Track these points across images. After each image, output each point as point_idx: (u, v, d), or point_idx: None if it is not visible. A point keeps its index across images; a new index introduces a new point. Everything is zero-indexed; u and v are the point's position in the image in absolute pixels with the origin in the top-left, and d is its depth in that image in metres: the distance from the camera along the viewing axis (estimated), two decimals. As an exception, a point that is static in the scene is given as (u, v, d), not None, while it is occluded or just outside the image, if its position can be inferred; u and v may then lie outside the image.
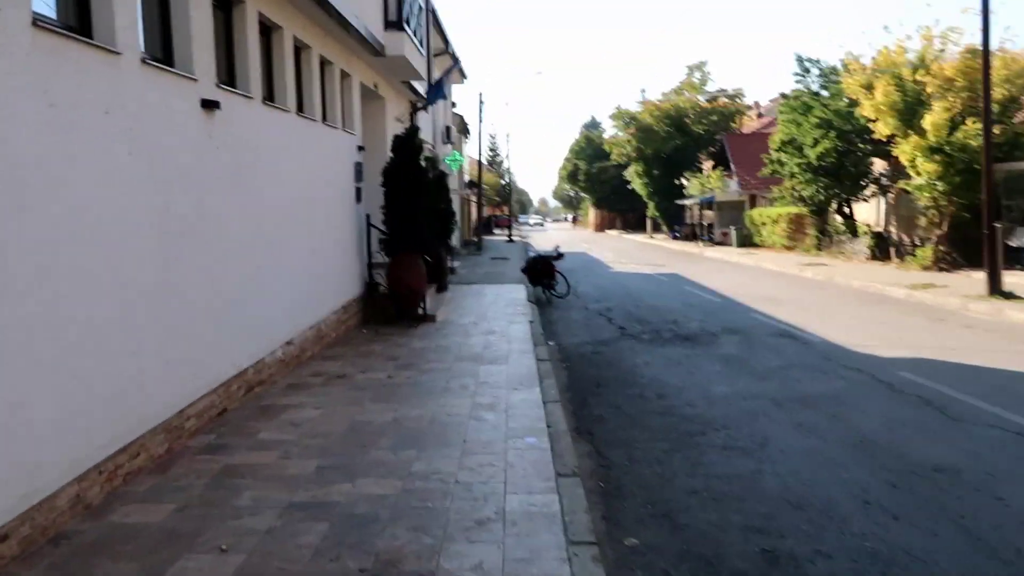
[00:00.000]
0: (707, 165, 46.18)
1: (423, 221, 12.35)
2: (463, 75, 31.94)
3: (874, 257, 24.76)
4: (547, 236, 63.07)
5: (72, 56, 4.67)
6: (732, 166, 39.85)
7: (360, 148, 12.51)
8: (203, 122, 6.54)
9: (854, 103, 23.74)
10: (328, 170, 10.67)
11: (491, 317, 13.46)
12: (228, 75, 7.54)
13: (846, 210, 27.34)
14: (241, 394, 7.27)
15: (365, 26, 11.12)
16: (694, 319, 13.72)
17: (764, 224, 33.77)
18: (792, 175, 26.92)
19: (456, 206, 34.79)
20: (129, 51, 5.30)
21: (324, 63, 10.84)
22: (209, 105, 6.57)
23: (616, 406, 7.75)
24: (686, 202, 44.26)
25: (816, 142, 24.70)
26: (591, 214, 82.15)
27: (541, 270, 16.86)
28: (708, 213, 41.73)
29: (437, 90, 16.37)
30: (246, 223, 7.46)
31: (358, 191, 12.32)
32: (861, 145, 24.29)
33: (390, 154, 12.49)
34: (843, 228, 27.34)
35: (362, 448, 5.93)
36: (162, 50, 6.19)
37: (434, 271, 15.35)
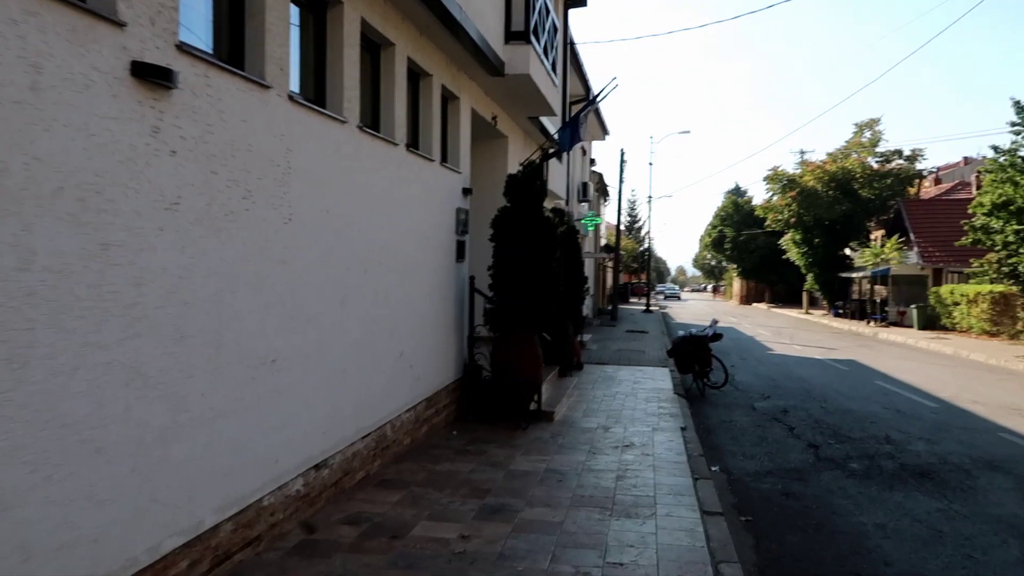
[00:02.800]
0: (877, 235, 40.87)
1: (544, 287, 9.25)
2: (604, 130, 29.23)
3: (1122, 352, 19.36)
4: (687, 308, 58.74)
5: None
6: (911, 235, 34.59)
7: (467, 192, 9.67)
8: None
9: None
10: (416, 215, 7.83)
11: (628, 418, 10.05)
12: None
13: (1076, 290, 21.92)
14: None
15: (477, 29, 8.37)
16: (915, 437, 9.74)
17: (956, 303, 28.40)
18: (1006, 245, 21.94)
19: (590, 271, 31.75)
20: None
21: (417, 73, 8.13)
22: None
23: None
24: (852, 275, 39.00)
25: (1043, 205, 19.83)
26: (735, 285, 76.70)
27: (692, 354, 13.28)
28: (879, 288, 36.40)
29: (573, 130, 13.45)
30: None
31: (460, 246, 9.43)
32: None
33: (503, 199, 9.56)
34: (1069, 313, 21.94)
35: None
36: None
37: (557, 351, 12.19)
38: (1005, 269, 23.42)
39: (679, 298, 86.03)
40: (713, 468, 7.96)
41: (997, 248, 22.56)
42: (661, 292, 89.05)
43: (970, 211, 24.74)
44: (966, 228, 24.32)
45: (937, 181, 49.34)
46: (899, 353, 22.09)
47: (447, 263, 9.03)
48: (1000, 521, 6.36)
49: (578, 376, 13.77)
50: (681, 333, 13.79)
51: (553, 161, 17.76)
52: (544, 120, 13.78)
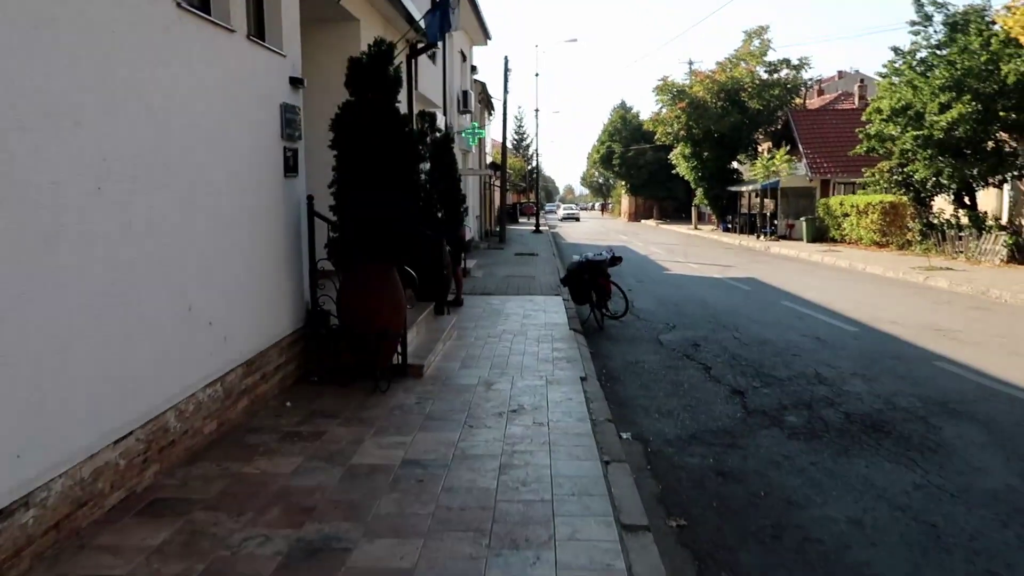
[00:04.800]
0: (764, 147, 40.39)
1: (403, 206, 7.05)
2: (486, 34, 26.60)
3: (1012, 259, 19.11)
4: (577, 227, 57.70)
5: None
6: (800, 146, 34.06)
7: (297, 83, 7.24)
8: None
9: (994, 58, 18.06)
10: (207, 109, 5.44)
11: (516, 366, 8.17)
12: None
13: (967, 199, 21.57)
14: None
15: None
16: (847, 373, 8.34)
17: (846, 215, 28.04)
18: (903, 152, 21.20)
19: (475, 190, 29.55)
20: None
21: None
22: None
23: None
24: (742, 189, 38.47)
25: (944, 108, 18.95)
26: (624, 202, 76.34)
27: (589, 282, 11.49)
28: (767, 202, 36.01)
29: (443, 15, 11.03)
30: None
31: (290, 156, 7.07)
32: (1004, 113, 18.52)
33: (347, 92, 7.19)
34: (957, 222, 21.63)
35: None
36: None
37: (431, 284, 10.13)
38: (897, 178, 22.87)
39: (578, 219, 73.14)
40: (624, 435, 6.20)
41: (895, 156, 21.83)
42: (552, 211, 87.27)
43: (864, 119, 23.95)
44: (860, 136, 23.56)
45: (820, 92, 49.37)
46: (796, 268, 21.29)
47: (269, 178, 6.68)
48: (998, 500, 4.86)
49: (458, 313, 11.78)
50: (576, 258, 11.95)
51: (425, 61, 15.27)
52: (409, 4, 11.28)
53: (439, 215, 11.03)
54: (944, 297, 14.82)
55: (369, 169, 6.88)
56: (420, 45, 13.20)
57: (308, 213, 7.42)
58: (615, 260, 11.80)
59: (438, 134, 11.11)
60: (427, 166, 10.92)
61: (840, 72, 60.52)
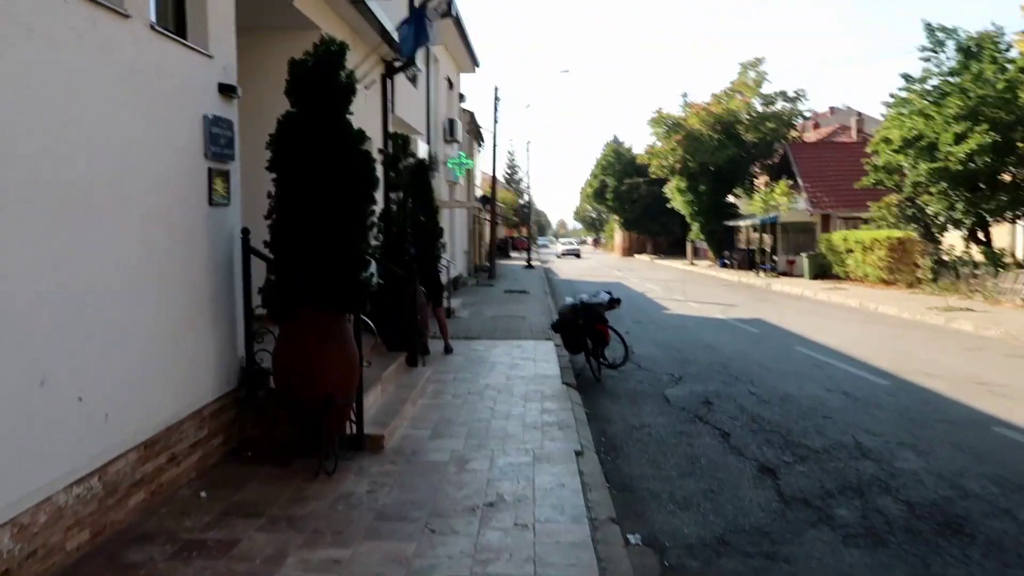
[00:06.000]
0: (761, 181, 39.40)
1: (353, 240, 5.69)
2: (474, 60, 25.53)
3: (1035, 300, 17.87)
4: (571, 262, 56.43)
5: None
6: (799, 180, 33.02)
7: (228, 91, 5.92)
8: None
9: (1011, 85, 16.98)
10: (83, 115, 4.13)
11: (498, 435, 6.76)
12: None
13: (981, 235, 20.38)
14: None
15: None
16: (893, 442, 6.96)
17: (850, 251, 26.84)
18: (915, 184, 20.04)
19: (463, 224, 28.28)
20: None
21: None
22: None
23: None
24: (739, 223, 37.35)
25: (960, 138, 17.82)
26: (617, 237, 75.35)
27: (584, 328, 10.12)
28: (766, 237, 34.87)
29: (417, 26, 9.79)
30: None
31: (217, 178, 5.73)
32: (1022, 144, 17.39)
33: (289, 104, 5.87)
34: (971, 259, 20.43)
35: None
36: None
37: (402, 331, 8.78)
38: (908, 212, 21.72)
39: (579, 256, 64.30)
40: (633, 539, 4.79)
41: (905, 188, 20.67)
42: (544, 245, 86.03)
43: (870, 150, 22.89)
44: (867, 167, 22.44)
45: (816, 126, 48.68)
46: (803, 308, 19.99)
47: (186, 205, 5.33)
48: None
49: (439, 363, 10.39)
50: (568, 301, 10.59)
51: (405, 83, 14.07)
52: (380, 14, 10.05)
53: (411, 251, 9.67)
54: (973, 342, 13.50)
55: (311, 196, 5.53)
56: (397, 63, 12.02)
57: (243, 250, 6.06)
58: (614, 302, 10.44)
59: (412, 159, 9.79)
60: (399, 195, 9.60)
61: (832, 108, 60.12)
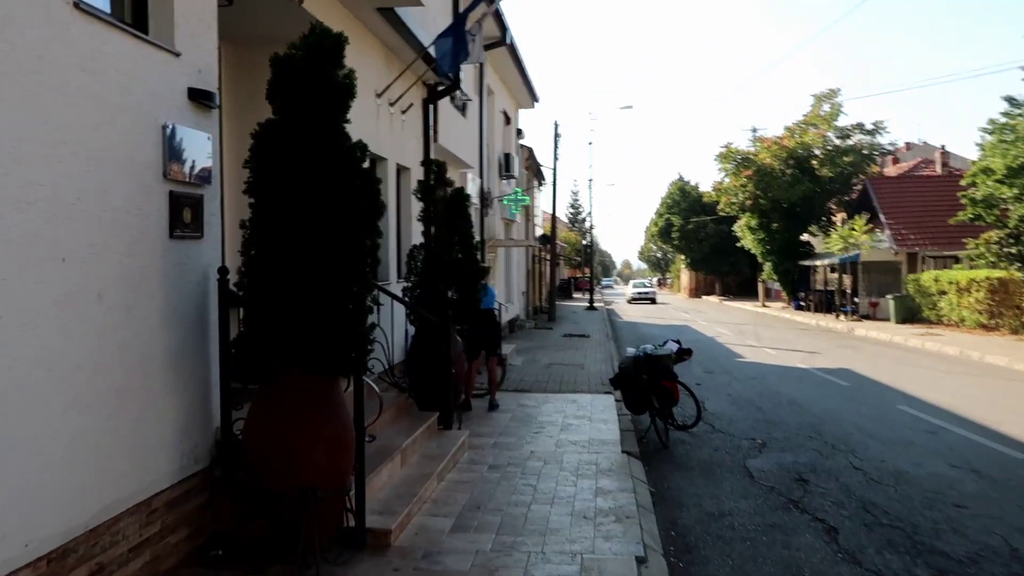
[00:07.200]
0: (838, 217, 37.13)
1: (353, 282, 4.43)
2: (534, 96, 24.53)
3: None
4: (637, 304, 54.35)
5: None
6: (881, 216, 30.80)
7: (202, 97, 4.77)
8: None
9: None
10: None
11: (538, 526, 5.32)
12: None
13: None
14: None
15: None
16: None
17: (943, 293, 24.53)
18: (1022, 220, 17.94)
19: (521, 264, 27.04)
20: None
21: None
22: None
23: None
24: (816, 263, 35.09)
25: (1079, 166, 15.79)
26: (684, 277, 73.07)
27: (649, 384, 8.62)
28: (844, 278, 32.54)
29: (456, 40, 8.65)
30: None
31: (184, 206, 4.57)
32: None
33: (272, 112, 4.70)
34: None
35: None
36: None
37: (435, 388, 7.49)
38: (1012, 250, 19.52)
39: (653, 301, 53.28)
40: None
41: (1010, 223, 18.56)
42: (608, 286, 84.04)
43: (966, 182, 20.82)
44: (964, 201, 20.37)
45: (895, 161, 46.10)
46: (895, 356, 17.95)
47: (134, 238, 4.15)
48: None
49: (476, 422, 9.03)
50: (630, 352, 9.09)
51: (452, 111, 12.98)
52: (419, 32, 8.95)
53: (449, 294, 8.39)
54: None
55: (295, 225, 4.30)
56: (440, 87, 10.93)
57: (220, 294, 4.85)
58: (684, 353, 8.93)
59: (447, 189, 8.57)
60: (430, 229, 8.37)
61: (908, 143, 57.21)
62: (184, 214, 4.60)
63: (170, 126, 4.46)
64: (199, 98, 4.75)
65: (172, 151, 4.47)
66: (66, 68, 3.67)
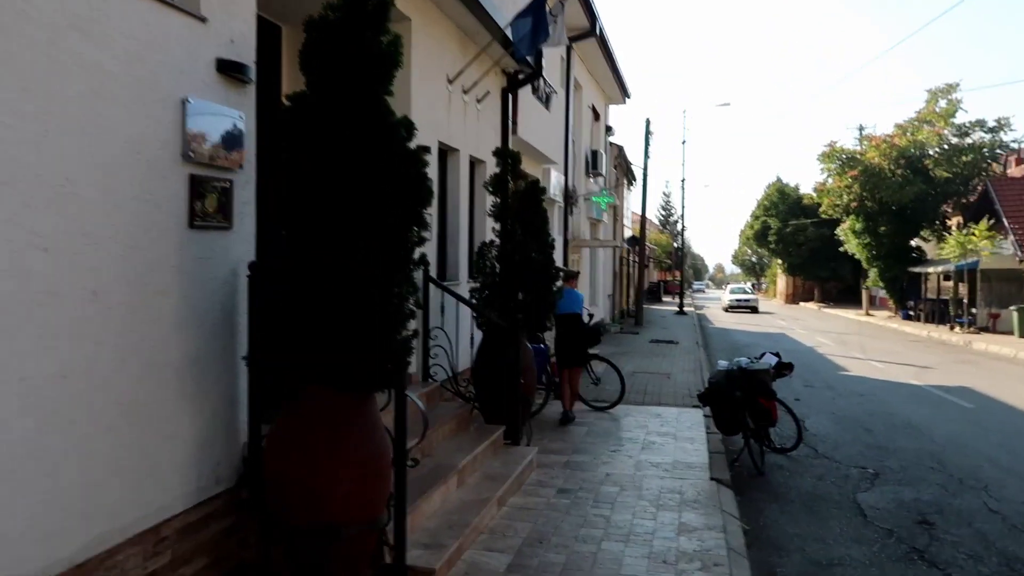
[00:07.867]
0: (953, 221, 34.47)
1: (393, 284, 3.79)
2: (625, 92, 23.57)
3: None
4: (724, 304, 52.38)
5: None
6: (1004, 220, 28.28)
7: (234, 71, 4.22)
8: None
9: None
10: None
11: (604, 572, 4.54)
12: None
13: None
14: None
15: None
16: None
17: (1076, 305, 22.19)
18: None
19: (607, 266, 26.11)
20: None
21: None
22: None
23: None
24: (928, 270, 32.65)
25: None
26: (780, 282, 70.09)
27: (744, 401, 7.66)
28: (960, 286, 30.08)
29: (536, 20, 7.93)
30: None
31: (206, 192, 4.02)
32: None
33: (304, 85, 4.10)
34: None
35: None
36: None
37: (502, 402, 6.81)
38: None
39: (756, 310, 45.56)
40: None
41: None
42: (700, 289, 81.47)
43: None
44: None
45: (1020, 161, 42.58)
46: (1021, 374, 16.15)
47: (141, 230, 3.62)
48: None
49: (549, 436, 8.28)
50: (722, 365, 8.15)
51: (533, 102, 12.28)
52: (495, 14, 8.28)
53: (519, 296, 7.67)
54: None
55: (325, 216, 3.68)
56: (520, 76, 10.24)
57: (250, 292, 4.28)
58: (784, 368, 7.96)
59: (523, 182, 7.85)
60: (496, 225, 7.68)
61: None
62: (207, 201, 4.05)
63: (192, 102, 3.91)
64: (229, 70, 4.20)
65: (193, 130, 3.92)
66: (55, 27, 3.14)
